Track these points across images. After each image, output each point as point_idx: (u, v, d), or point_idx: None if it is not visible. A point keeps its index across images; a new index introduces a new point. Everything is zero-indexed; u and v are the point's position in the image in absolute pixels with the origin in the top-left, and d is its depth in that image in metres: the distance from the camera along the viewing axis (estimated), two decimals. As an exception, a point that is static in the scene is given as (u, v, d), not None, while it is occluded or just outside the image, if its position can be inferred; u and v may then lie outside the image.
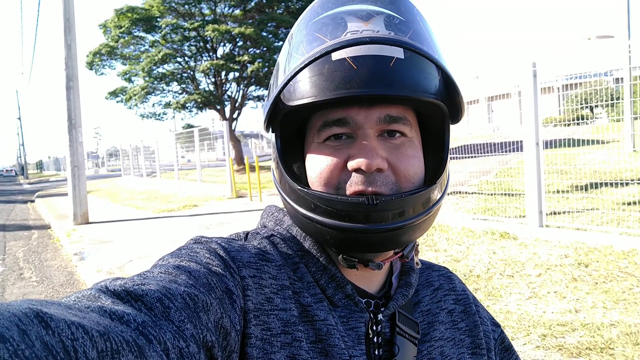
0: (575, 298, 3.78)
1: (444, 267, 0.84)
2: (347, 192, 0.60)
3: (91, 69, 21.55)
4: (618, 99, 5.84)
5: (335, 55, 0.58)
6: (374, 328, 0.65)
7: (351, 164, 0.60)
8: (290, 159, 0.67)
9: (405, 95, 0.58)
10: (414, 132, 0.64)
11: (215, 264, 0.57)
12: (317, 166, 0.63)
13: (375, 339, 0.65)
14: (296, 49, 0.62)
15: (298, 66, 0.59)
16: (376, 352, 0.64)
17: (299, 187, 0.63)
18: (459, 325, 0.75)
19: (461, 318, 0.76)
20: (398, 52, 0.57)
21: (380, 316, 0.66)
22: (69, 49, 10.07)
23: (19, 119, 72.49)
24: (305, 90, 0.60)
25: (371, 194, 0.59)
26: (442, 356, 0.70)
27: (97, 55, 20.84)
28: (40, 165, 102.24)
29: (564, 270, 4.32)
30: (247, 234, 0.71)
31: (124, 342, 0.35)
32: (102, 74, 22.08)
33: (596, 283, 4.00)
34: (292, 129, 0.67)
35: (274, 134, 0.67)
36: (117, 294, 0.44)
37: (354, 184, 0.60)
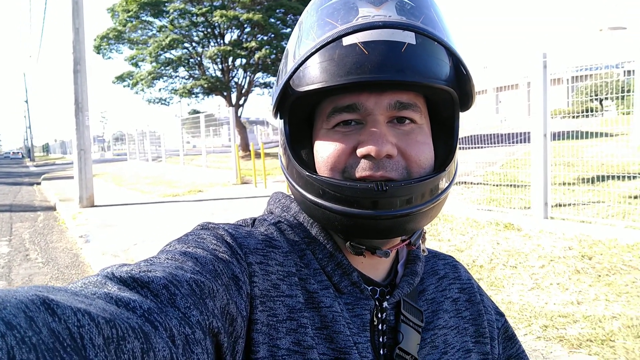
0: (577, 290, 3.78)
1: (450, 256, 0.84)
2: (356, 177, 0.60)
3: (98, 53, 21.54)
4: (628, 91, 5.76)
5: (347, 41, 0.57)
6: (379, 315, 0.65)
7: (360, 151, 0.59)
8: (299, 146, 0.67)
9: (416, 81, 0.57)
10: (424, 119, 0.64)
11: (222, 250, 0.57)
12: (325, 151, 0.62)
13: (380, 327, 0.65)
14: (306, 35, 0.61)
15: (308, 51, 0.58)
16: (380, 339, 0.65)
17: (307, 173, 0.63)
18: (463, 313, 0.75)
19: (465, 307, 0.76)
20: (410, 38, 0.57)
21: (385, 304, 0.66)
22: (77, 32, 10.05)
23: (26, 102, 72.68)
24: (315, 75, 0.59)
25: (380, 178, 0.59)
26: (445, 344, 0.70)
27: (105, 39, 20.81)
28: (46, 148, 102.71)
29: (568, 262, 4.32)
30: (254, 220, 0.71)
31: (130, 328, 0.36)
32: (109, 58, 22.08)
33: (599, 275, 3.99)
34: (301, 116, 0.66)
35: (282, 120, 0.67)
36: (123, 280, 0.44)
37: (361, 169, 0.60)
